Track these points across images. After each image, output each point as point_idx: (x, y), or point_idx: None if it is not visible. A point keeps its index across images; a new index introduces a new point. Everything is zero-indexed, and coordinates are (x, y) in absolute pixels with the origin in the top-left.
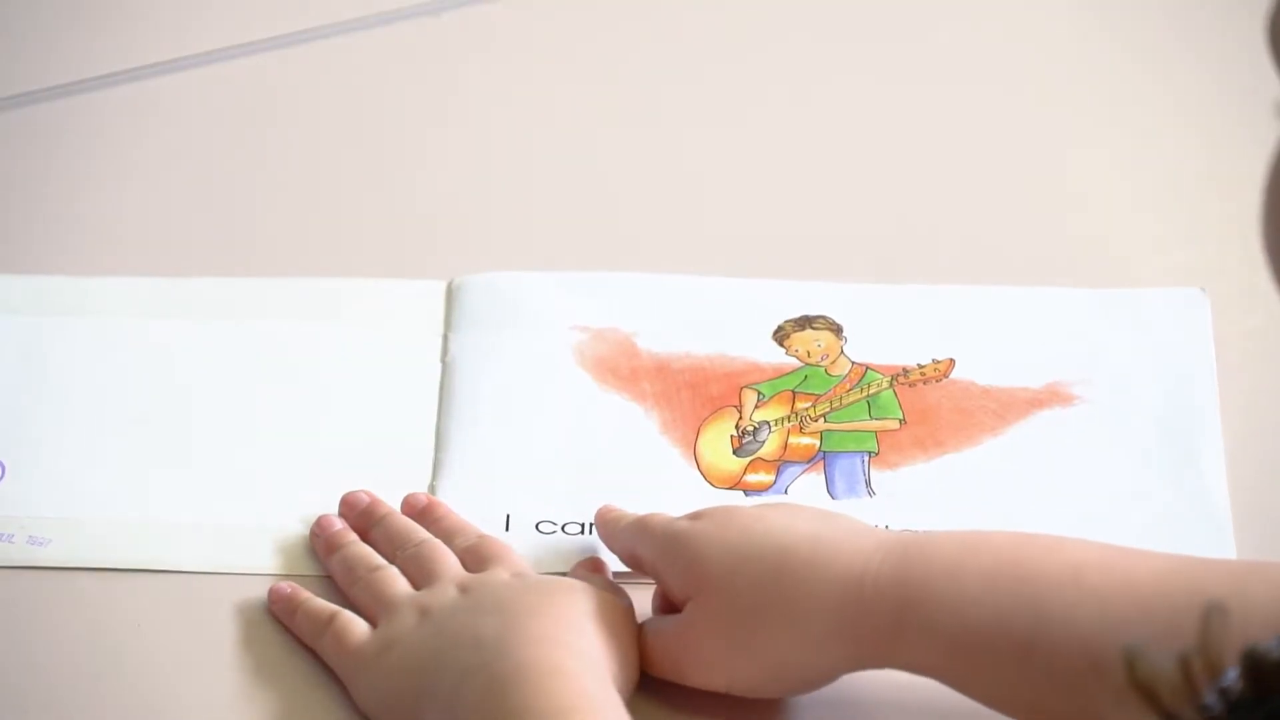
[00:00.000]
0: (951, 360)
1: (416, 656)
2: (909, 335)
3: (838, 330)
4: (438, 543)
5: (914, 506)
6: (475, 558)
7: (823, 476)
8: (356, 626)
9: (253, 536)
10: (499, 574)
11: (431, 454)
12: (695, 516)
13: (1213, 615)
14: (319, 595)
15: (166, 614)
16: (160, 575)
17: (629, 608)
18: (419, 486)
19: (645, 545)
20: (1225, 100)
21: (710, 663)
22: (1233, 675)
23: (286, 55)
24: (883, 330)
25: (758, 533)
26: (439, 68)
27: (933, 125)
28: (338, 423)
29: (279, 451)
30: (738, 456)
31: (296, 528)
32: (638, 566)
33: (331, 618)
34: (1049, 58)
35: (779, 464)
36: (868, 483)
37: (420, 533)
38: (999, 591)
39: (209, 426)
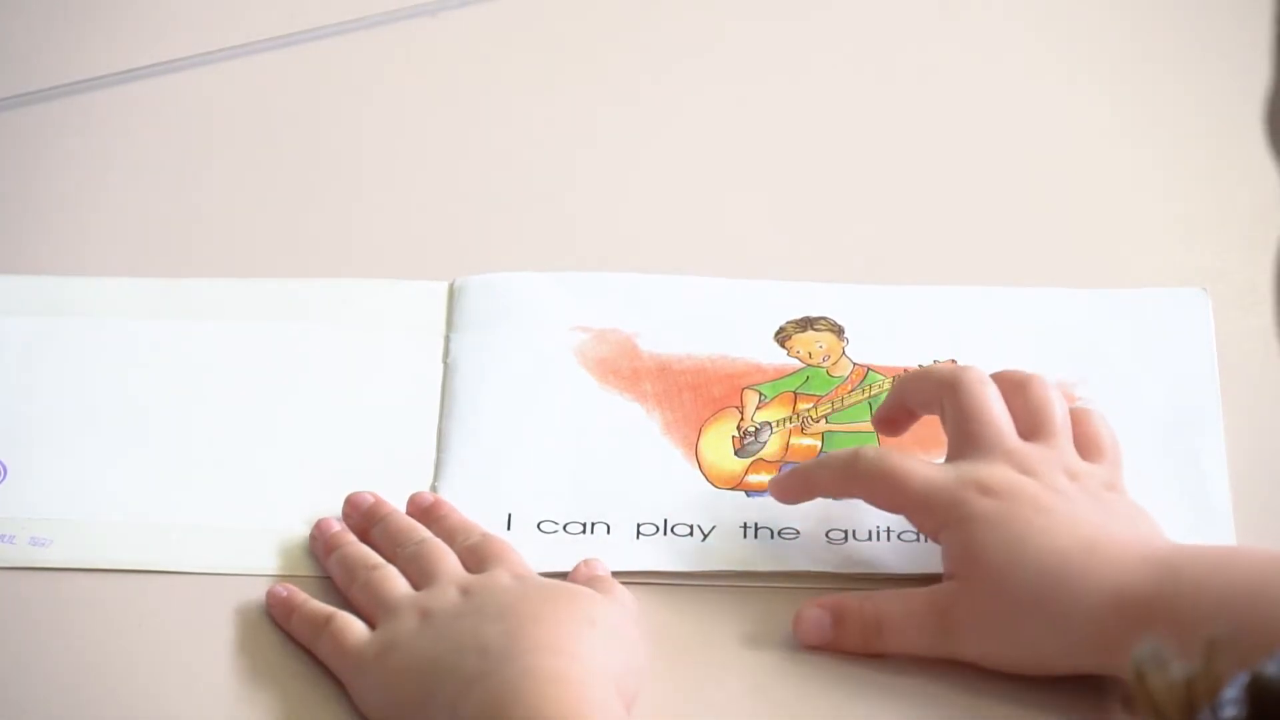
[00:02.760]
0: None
1: (419, 660)
2: (910, 336)
3: (839, 331)
4: (437, 542)
5: None
6: (476, 558)
7: None
8: (355, 628)
9: (254, 538)
10: (500, 576)
11: (433, 454)
12: (984, 490)
13: (1218, 637)
14: (319, 597)
15: (169, 615)
16: (163, 576)
17: (632, 611)
18: (420, 487)
19: (936, 487)
20: (1226, 100)
21: (965, 638)
22: (1231, 696)
23: (286, 55)
24: (884, 331)
25: (1037, 530)
26: (439, 68)
27: (933, 125)
28: (339, 423)
29: (280, 452)
30: (739, 457)
31: (298, 529)
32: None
33: (329, 619)
34: (1049, 58)
35: (781, 465)
36: None
37: (420, 531)
38: (1238, 608)
39: (210, 427)
